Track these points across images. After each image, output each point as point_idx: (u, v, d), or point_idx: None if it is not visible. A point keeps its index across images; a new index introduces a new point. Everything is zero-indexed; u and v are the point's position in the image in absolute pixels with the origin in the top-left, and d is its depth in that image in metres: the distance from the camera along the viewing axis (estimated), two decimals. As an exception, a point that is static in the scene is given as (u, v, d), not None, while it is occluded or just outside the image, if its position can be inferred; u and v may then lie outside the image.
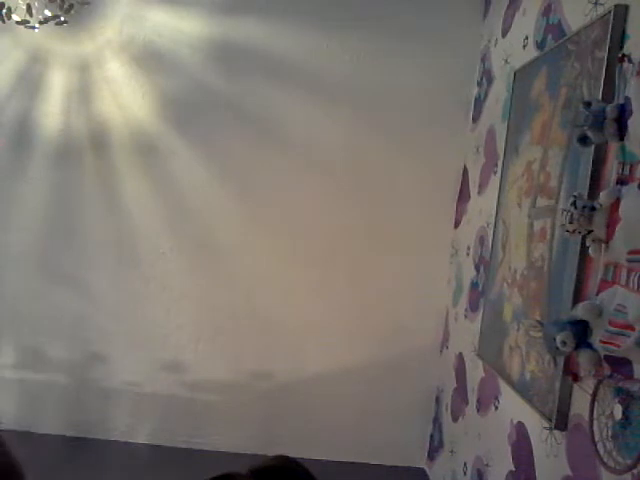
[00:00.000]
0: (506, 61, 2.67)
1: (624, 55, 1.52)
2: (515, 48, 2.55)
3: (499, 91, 2.74)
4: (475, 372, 2.63)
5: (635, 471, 1.28)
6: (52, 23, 2.80)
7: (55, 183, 3.28)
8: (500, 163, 2.54)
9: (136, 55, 3.24)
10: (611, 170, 1.53)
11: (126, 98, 3.27)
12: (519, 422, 2.04)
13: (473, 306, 2.78)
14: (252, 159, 3.25)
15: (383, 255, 3.28)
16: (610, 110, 1.44)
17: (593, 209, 1.46)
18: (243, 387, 3.36)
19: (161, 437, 3.34)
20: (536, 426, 1.88)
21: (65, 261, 3.30)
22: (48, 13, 2.74)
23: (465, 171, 3.21)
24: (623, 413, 1.35)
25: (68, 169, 3.27)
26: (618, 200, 1.42)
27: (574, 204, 1.47)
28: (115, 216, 3.29)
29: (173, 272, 3.32)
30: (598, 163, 1.61)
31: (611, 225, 1.44)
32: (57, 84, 3.26)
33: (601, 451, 1.43)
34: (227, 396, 3.35)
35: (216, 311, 3.32)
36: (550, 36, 2.14)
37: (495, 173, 2.64)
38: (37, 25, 2.76)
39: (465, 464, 2.62)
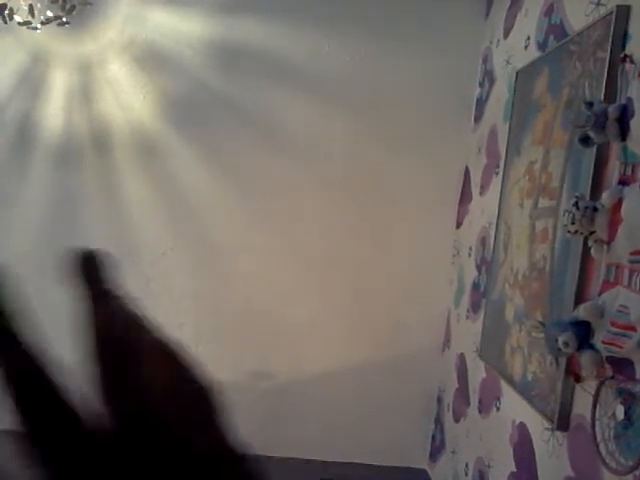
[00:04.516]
0: (508, 62, 2.66)
1: (626, 55, 1.52)
2: (517, 48, 2.55)
3: (501, 92, 2.74)
4: (477, 373, 2.63)
5: (637, 472, 1.28)
6: (54, 24, 2.81)
7: (56, 183, 3.29)
8: (502, 164, 2.54)
9: (138, 55, 3.24)
10: (613, 171, 1.53)
11: (128, 98, 3.27)
12: (521, 423, 2.04)
13: (475, 307, 2.78)
14: (253, 159, 3.25)
15: (385, 255, 3.28)
16: (612, 111, 1.44)
17: (595, 210, 1.46)
18: (243, 387, 3.35)
19: (162, 437, 3.34)
20: (538, 427, 1.87)
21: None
22: (50, 14, 2.75)
23: (467, 172, 3.21)
24: (625, 414, 1.35)
25: (70, 169, 3.27)
26: (620, 201, 1.42)
27: (576, 205, 1.47)
28: (116, 216, 3.29)
29: (173, 272, 3.32)
30: (600, 164, 1.61)
31: (613, 226, 1.43)
32: (59, 85, 3.26)
33: (603, 452, 1.42)
34: (227, 396, 3.34)
35: (216, 311, 3.32)
36: (552, 36, 2.14)
37: (497, 174, 2.64)
38: (39, 26, 2.77)
39: (467, 465, 2.62)
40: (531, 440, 1.94)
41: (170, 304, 3.31)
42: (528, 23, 2.42)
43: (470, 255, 2.94)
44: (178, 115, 3.25)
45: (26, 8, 2.70)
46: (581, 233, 1.50)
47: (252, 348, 3.32)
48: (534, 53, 2.30)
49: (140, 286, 3.29)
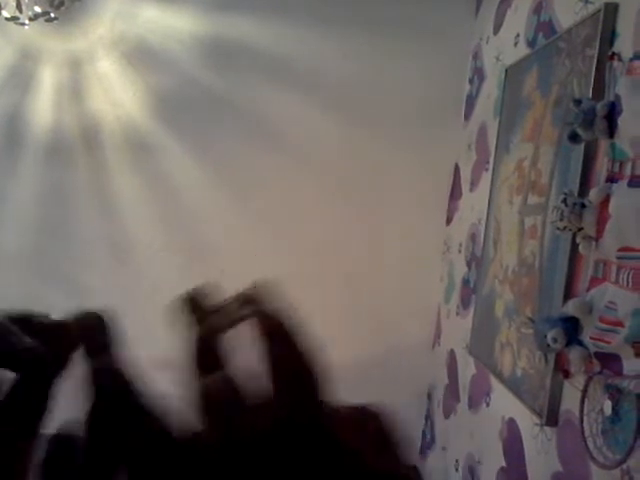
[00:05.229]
0: (498, 58, 2.67)
1: (614, 53, 1.53)
2: (506, 45, 2.56)
3: (491, 89, 2.75)
4: (467, 369, 2.64)
5: (624, 466, 1.29)
6: (42, 19, 2.78)
7: (46, 181, 3.26)
8: (492, 160, 2.55)
9: (128, 52, 3.22)
10: (601, 167, 1.54)
11: (118, 95, 3.25)
12: (510, 419, 2.05)
13: (465, 303, 2.79)
14: (245, 156, 3.24)
15: (375, 252, 3.28)
16: (600, 108, 1.45)
17: (583, 206, 1.47)
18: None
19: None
20: (527, 422, 1.89)
21: (57, 260, 3.28)
22: (38, 9, 2.72)
23: (457, 168, 3.22)
24: (613, 409, 1.36)
25: (60, 167, 3.25)
26: (608, 197, 1.43)
27: (565, 201, 1.48)
28: (108, 214, 3.28)
29: (166, 271, 3.31)
30: (588, 160, 1.62)
31: (601, 222, 1.44)
32: (48, 81, 3.24)
33: (591, 447, 1.44)
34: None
35: (209, 309, 3.31)
36: (541, 34, 2.15)
37: (487, 170, 2.65)
38: (27, 21, 2.75)
39: (457, 461, 2.64)
40: (520, 436, 1.95)
41: (163, 303, 3.29)
42: (517, 20, 2.43)
43: (460, 251, 2.95)
44: (169, 112, 3.24)
45: (14, 3, 2.67)
46: (570, 229, 1.51)
47: (247, 347, 3.31)
48: (523, 50, 2.31)
49: (133, 285, 3.31)
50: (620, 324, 1.32)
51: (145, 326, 3.31)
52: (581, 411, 1.50)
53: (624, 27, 1.54)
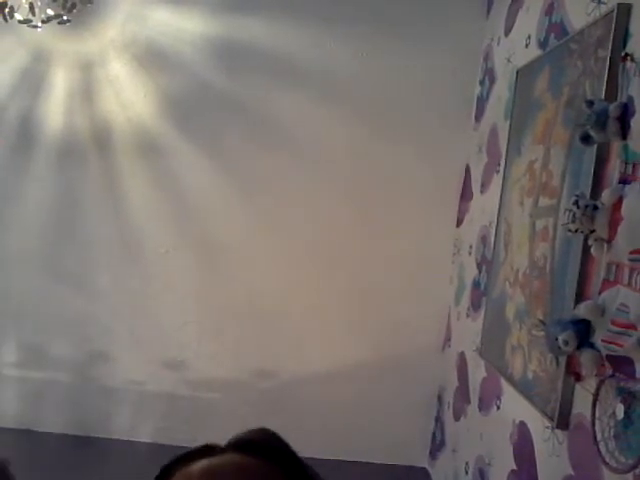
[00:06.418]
0: (509, 60, 2.66)
1: (627, 54, 1.52)
2: (518, 47, 2.55)
3: (502, 90, 2.73)
4: (477, 371, 2.63)
5: (637, 471, 1.28)
6: (55, 22, 2.80)
7: (58, 182, 3.29)
8: (502, 162, 2.54)
9: (139, 54, 3.24)
10: (614, 169, 1.53)
11: (129, 97, 3.27)
12: (521, 421, 2.04)
13: (475, 305, 2.78)
14: (255, 158, 3.25)
15: (385, 254, 3.28)
16: (613, 109, 1.44)
17: (595, 208, 1.46)
18: (245, 385, 3.36)
19: (163, 436, 3.34)
20: (538, 425, 1.87)
21: (68, 260, 3.30)
22: (51, 12, 2.74)
23: (467, 170, 3.21)
24: (625, 413, 1.35)
25: (71, 168, 3.27)
26: (620, 199, 1.42)
27: (576, 203, 1.47)
28: (118, 215, 3.30)
29: (175, 271, 3.32)
30: (600, 162, 1.61)
31: (613, 224, 1.43)
32: (60, 83, 3.26)
33: (603, 451, 1.42)
34: (229, 394, 3.35)
35: (218, 310, 3.32)
36: (553, 35, 2.14)
37: (497, 172, 2.64)
38: (40, 24, 2.76)
39: (467, 463, 2.62)
40: (531, 439, 1.94)
41: (173, 302, 3.31)
42: (529, 21, 2.42)
43: (470, 253, 2.94)
44: (180, 114, 3.25)
45: (27, 6, 2.69)
46: (581, 232, 1.50)
47: (254, 346, 3.33)
48: (535, 51, 2.30)
49: (142, 284, 3.33)
50: (632, 327, 1.31)
51: (154, 325, 3.34)
52: (593, 414, 1.49)
53: (637, 28, 1.53)
